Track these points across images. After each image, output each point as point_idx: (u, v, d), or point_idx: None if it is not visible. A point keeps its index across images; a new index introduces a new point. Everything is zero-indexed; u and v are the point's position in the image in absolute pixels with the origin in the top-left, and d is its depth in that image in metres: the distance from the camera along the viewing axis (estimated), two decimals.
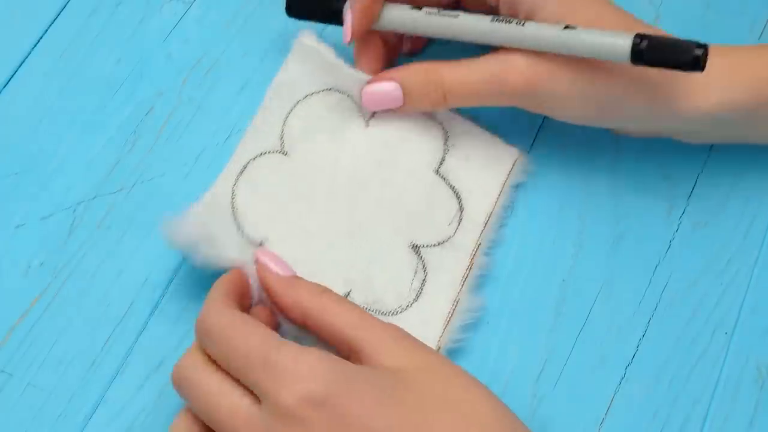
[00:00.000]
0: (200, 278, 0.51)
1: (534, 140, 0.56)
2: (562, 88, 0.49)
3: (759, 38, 0.59)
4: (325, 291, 0.46)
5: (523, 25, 0.49)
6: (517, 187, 0.54)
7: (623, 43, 0.47)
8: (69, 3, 0.58)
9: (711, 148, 0.56)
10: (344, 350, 0.45)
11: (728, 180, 0.56)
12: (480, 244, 0.52)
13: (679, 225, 0.55)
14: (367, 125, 0.53)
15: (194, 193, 0.52)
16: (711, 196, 0.55)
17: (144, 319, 0.50)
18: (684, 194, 0.55)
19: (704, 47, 0.46)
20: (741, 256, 0.54)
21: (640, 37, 0.47)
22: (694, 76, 0.49)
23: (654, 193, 0.55)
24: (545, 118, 0.56)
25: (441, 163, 0.53)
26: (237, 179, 0.51)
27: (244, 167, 0.51)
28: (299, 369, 0.41)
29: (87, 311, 0.50)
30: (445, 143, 0.53)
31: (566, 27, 0.48)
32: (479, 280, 0.52)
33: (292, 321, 0.47)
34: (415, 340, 0.45)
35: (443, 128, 0.53)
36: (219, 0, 0.59)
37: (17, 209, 0.52)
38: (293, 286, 0.47)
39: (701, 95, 0.50)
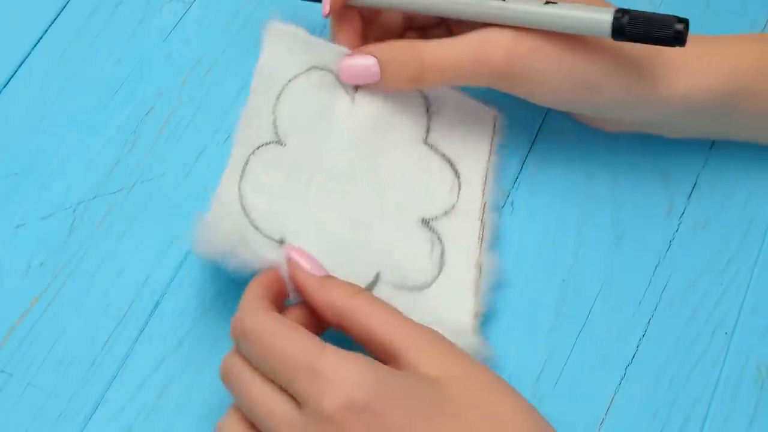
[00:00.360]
0: (201, 278, 0.51)
1: (534, 140, 0.56)
2: (543, 65, 0.49)
3: None
4: (360, 291, 0.46)
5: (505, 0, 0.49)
6: (501, 148, 0.54)
7: (604, 17, 0.47)
8: (69, 3, 0.58)
9: (711, 147, 0.56)
10: (380, 353, 0.44)
11: (728, 180, 0.56)
12: (485, 203, 0.52)
13: (679, 225, 0.54)
14: (353, 100, 0.52)
15: (194, 193, 0.52)
16: (711, 196, 0.55)
17: (144, 319, 0.50)
18: (684, 194, 0.55)
19: (685, 22, 0.46)
20: (741, 256, 0.54)
21: (621, 12, 0.47)
22: (673, 62, 0.49)
23: (654, 193, 0.55)
24: (545, 118, 0.56)
25: (428, 132, 0.53)
26: (241, 178, 0.50)
27: (246, 164, 0.50)
28: (341, 375, 0.41)
29: (87, 311, 0.50)
30: (427, 111, 0.53)
31: (547, 2, 0.48)
32: (492, 242, 0.52)
33: (326, 322, 0.46)
34: (449, 344, 0.45)
35: (423, 95, 0.53)
36: (219, 0, 0.59)
37: (17, 209, 0.52)
38: (326, 286, 0.46)
39: (677, 80, 0.50)
